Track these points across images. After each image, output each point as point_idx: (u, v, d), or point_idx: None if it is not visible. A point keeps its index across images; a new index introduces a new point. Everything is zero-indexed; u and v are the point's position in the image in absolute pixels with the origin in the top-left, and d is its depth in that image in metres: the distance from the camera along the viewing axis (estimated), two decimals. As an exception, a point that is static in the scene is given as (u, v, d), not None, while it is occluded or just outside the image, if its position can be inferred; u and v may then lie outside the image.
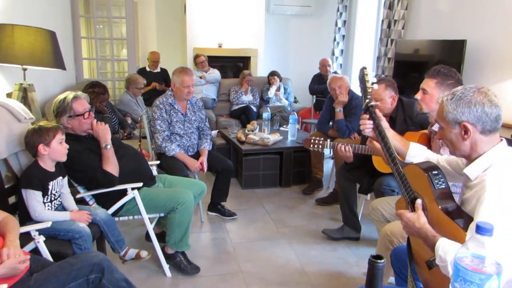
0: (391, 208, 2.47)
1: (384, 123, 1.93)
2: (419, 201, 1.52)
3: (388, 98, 2.93)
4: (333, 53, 6.80)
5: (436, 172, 1.52)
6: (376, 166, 2.90)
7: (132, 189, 2.44)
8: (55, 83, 4.23)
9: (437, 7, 4.46)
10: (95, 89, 3.69)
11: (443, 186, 1.50)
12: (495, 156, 1.42)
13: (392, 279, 2.15)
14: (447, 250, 1.30)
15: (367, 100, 1.91)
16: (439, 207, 1.47)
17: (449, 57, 4.09)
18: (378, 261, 0.95)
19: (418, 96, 2.39)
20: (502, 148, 1.44)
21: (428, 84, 2.32)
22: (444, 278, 1.32)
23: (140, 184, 2.46)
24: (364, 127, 1.93)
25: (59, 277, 1.58)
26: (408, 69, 4.76)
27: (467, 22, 3.99)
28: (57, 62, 2.69)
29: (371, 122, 1.88)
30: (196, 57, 6.06)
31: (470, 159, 1.48)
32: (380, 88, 2.93)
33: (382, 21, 5.35)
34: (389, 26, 5.26)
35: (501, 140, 1.47)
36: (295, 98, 6.56)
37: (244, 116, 5.66)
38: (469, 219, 1.42)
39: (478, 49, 3.80)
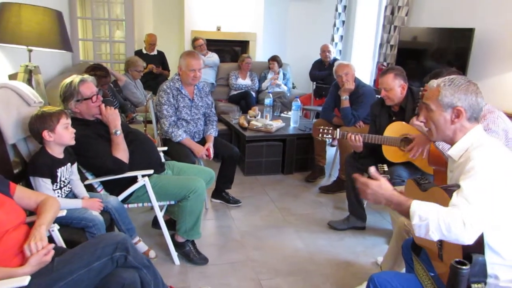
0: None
1: None
2: (372, 169, 1.60)
3: (397, 88, 2.90)
4: (332, 39, 6.73)
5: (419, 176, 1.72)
6: (386, 155, 2.88)
7: (143, 176, 2.38)
8: (52, 65, 4.10)
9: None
10: (96, 72, 3.55)
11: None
12: (475, 136, 1.54)
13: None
14: (426, 209, 1.37)
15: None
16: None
17: (455, 46, 4.06)
18: (463, 267, 0.90)
19: None
20: (479, 130, 1.56)
21: None
22: None
23: (151, 171, 2.40)
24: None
25: (83, 256, 1.54)
26: (411, 57, 4.73)
27: (476, 11, 3.96)
28: (64, 43, 2.58)
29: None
30: (194, 40, 5.93)
31: (452, 142, 1.59)
32: (389, 78, 2.91)
33: (386, 7, 5.29)
34: (392, 13, 5.21)
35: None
36: (293, 84, 6.49)
37: (243, 101, 5.59)
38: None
39: (487, 38, 3.78)
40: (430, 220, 1.34)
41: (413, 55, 4.71)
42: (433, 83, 1.60)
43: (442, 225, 1.32)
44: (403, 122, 2.87)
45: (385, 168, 2.05)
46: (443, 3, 4.44)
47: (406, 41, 4.83)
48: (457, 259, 0.93)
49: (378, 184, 1.54)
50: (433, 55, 4.43)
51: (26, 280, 1.34)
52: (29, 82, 2.56)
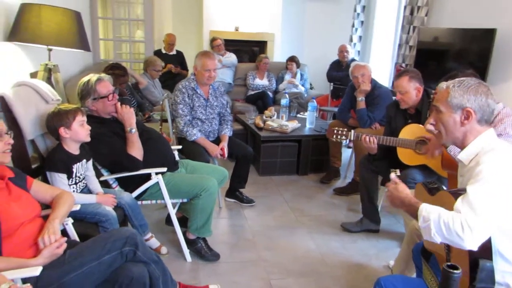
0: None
1: None
2: (392, 175, 1.68)
3: (412, 90, 2.86)
4: (351, 40, 6.68)
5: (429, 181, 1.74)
6: (401, 158, 2.84)
7: (156, 173, 2.42)
8: (73, 64, 4.20)
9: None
10: (115, 71, 3.63)
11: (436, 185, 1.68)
12: (486, 141, 1.50)
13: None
14: (430, 211, 1.40)
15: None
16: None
17: (476, 47, 3.98)
18: (454, 271, 0.90)
19: None
20: (491, 134, 1.52)
21: None
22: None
23: (165, 169, 2.44)
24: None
25: (94, 249, 1.59)
26: (431, 58, 4.65)
27: (497, 11, 3.87)
28: (82, 43, 2.65)
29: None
30: (212, 40, 5.98)
31: (462, 146, 1.56)
32: (404, 81, 2.86)
33: (405, 7, 5.23)
34: (411, 13, 5.14)
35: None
36: (310, 84, 6.47)
37: (260, 101, 5.61)
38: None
39: (509, 39, 3.69)
40: (432, 221, 1.36)
41: (433, 56, 4.63)
42: (443, 85, 1.58)
43: (443, 227, 1.33)
44: (419, 125, 2.83)
45: (398, 172, 2.04)
46: (463, 3, 4.35)
47: (425, 42, 4.76)
48: (448, 263, 0.92)
49: (394, 186, 1.61)
50: (454, 56, 4.35)
51: (38, 270, 1.40)
52: (48, 80, 2.64)
